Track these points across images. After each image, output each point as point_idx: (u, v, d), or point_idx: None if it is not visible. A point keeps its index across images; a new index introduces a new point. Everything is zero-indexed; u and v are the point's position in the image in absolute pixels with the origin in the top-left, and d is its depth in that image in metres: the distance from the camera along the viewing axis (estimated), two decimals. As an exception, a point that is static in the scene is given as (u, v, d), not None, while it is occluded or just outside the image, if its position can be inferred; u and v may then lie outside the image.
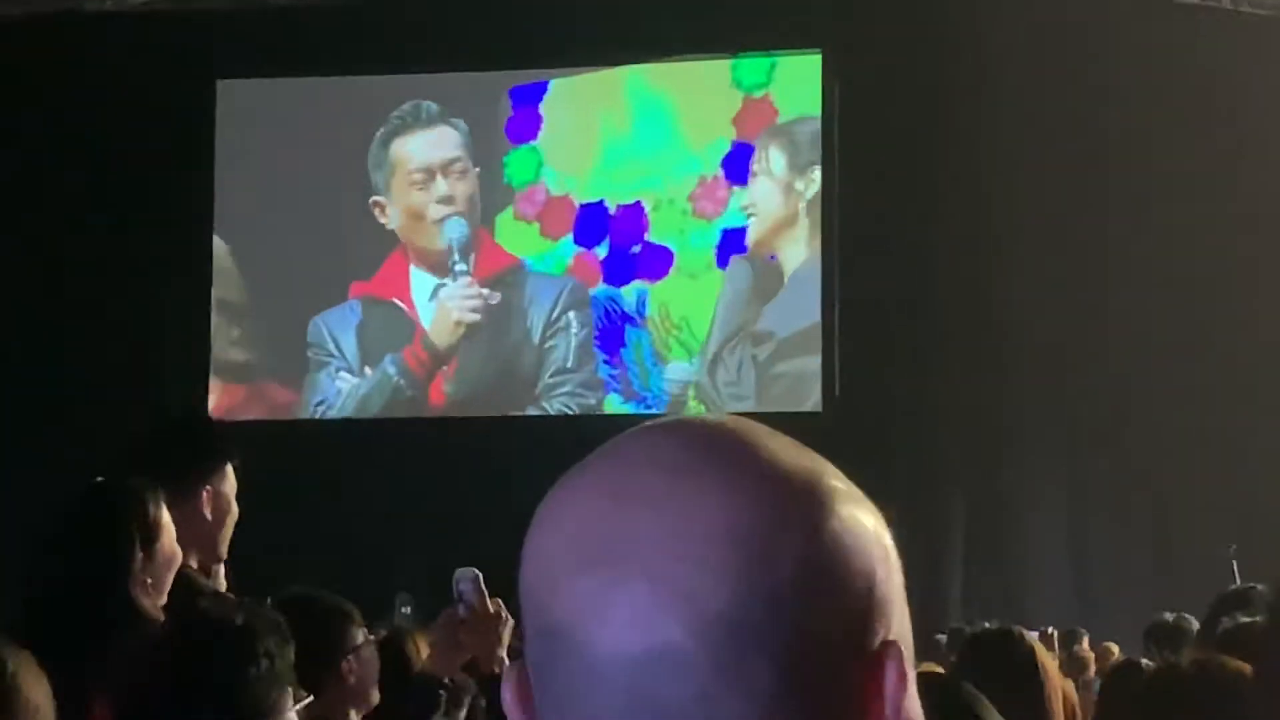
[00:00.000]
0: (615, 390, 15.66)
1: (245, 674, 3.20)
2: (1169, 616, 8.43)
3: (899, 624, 1.12)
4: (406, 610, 12.41)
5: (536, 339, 15.78)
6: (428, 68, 15.90)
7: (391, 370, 15.94)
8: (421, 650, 5.19)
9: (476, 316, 15.84)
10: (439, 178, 15.97)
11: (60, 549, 3.99)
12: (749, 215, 15.63)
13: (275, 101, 16.17)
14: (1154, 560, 14.42)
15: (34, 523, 4.21)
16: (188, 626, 3.48)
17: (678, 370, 15.64)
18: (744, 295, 15.59)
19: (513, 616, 4.60)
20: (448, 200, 15.91)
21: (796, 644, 1.06)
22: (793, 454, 1.12)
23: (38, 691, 2.88)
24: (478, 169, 16.00)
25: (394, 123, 16.08)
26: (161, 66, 15.49)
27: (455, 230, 15.87)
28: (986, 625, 7.50)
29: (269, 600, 4.01)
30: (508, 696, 1.13)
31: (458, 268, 15.86)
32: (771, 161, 15.67)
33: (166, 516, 4.00)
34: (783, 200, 15.64)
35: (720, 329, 15.59)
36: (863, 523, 1.11)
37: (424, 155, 16.07)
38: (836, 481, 1.12)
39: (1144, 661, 5.84)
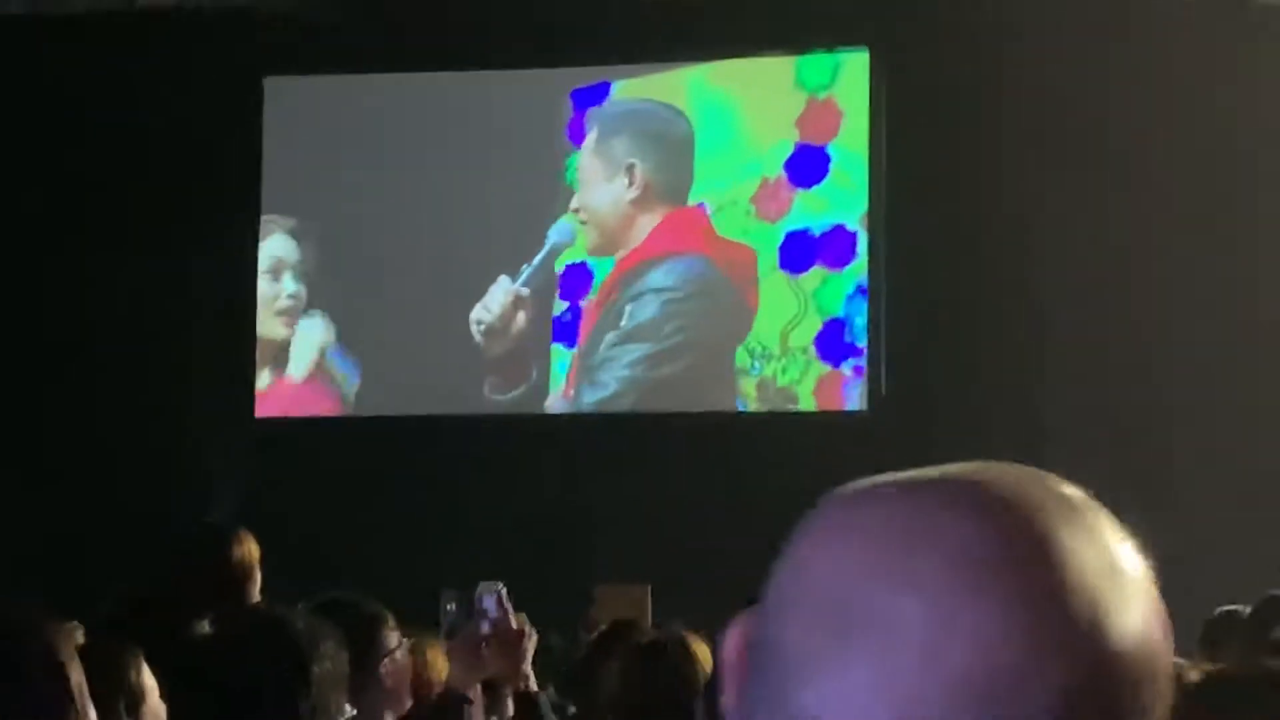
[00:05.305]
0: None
1: (309, 674, 3.21)
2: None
3: None
4: (452, 608, 12.39)
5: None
6: (484, 65, 15.75)
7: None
8: (432, 663, 5.15)
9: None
10: None
11: None
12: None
13: (324, 99, 16.10)
14: (1199, 561, 14.31)
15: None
16: (253, 626, 3.49)
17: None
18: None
19: (537, 629, 4.46)
20: None
21: None
22: (1102, 546, 1.06)
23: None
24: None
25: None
26: (209, 63, 15.48)
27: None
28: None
29: (299, 606, 3.99)
30: (730, 655, 1.04)
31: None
32: None
33: (149, 679, 3.92)
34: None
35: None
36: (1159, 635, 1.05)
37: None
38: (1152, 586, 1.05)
39: (1178, 660, 5.82)
